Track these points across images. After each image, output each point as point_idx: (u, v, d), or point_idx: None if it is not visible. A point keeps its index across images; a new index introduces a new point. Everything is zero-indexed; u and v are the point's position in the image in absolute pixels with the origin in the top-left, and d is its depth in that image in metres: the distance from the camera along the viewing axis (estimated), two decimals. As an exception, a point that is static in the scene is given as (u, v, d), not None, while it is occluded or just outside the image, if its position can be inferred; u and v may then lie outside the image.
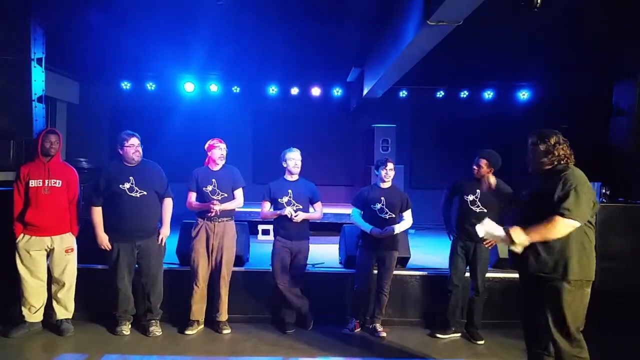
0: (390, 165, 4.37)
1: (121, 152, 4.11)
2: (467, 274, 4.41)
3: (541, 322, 2.96)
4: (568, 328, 2.83)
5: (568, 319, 2.82)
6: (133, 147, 4.10)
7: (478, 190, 4.21)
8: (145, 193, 4.12)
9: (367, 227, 4.31)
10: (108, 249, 4.09)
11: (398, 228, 4.30)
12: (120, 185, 4.04)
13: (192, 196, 4.35)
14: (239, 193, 4.43)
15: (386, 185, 4.41)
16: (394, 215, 4.34)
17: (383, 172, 4.37)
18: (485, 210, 4.19)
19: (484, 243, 4.22)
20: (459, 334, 4.45)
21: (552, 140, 2.94)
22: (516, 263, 3.12)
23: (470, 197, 4.26)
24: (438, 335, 4.41)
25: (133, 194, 4.07)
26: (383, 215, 4.33)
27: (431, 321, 4.65)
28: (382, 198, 4.36)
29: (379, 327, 4.40)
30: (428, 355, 4.02)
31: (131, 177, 4.07)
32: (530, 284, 3.03)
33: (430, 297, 4.75)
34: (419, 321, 4.74)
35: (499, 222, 4.36)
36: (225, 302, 4.38)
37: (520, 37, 6.02)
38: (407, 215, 4.42)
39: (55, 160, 4.12)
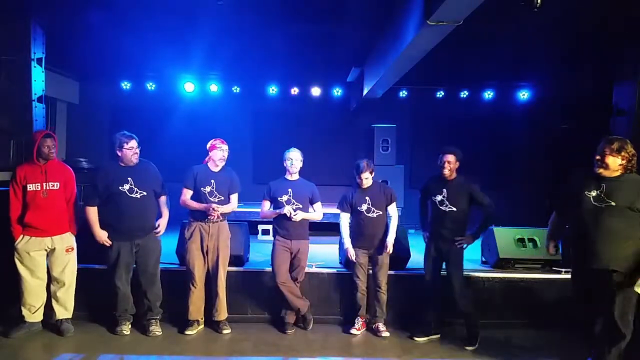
0: (365, 174, 4.33)
1: (119, 154, 4.09)
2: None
3: (598, 318, 3.22)
4: (628, 315, 3.11)
5: (631, 308, 3.11)
6: (132, 150, 4.09)
7: (445, 190, 4.19)
8: (145, 193, 4.12)
9: (347, 244, 4.41)
10: (108, 244, 4.09)
11: (390, 241, 4.33)
12: (120, 187, 4.03)
13: (188, 194, 4.29)
14: (234, 198, 4.45)
15: (367, 184, 4.39)
16: (381, 212, 4.36)
17: (359, 181, 4.37)
18: (454, 209, 4.15)
19: (456, 244, 4.18)
20: (438, 335, 4.35)
21: (631, 150, 3.13)
22: (584, 263, 3.25)
23: (438, 198, 4.21)
24: (415, 339, 4.29)
25: (133, 195, 4.06)
26: (371, 215, 4.35)
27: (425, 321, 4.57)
28: (367, 198, 4.36)
29: (381, 327, 4.39)
30: (428, 355, 4.02)
31: (130, 179, 4.07)
32: (595, 280, 3.17)
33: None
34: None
35: (469, 221, 4.30)
36: (224, 302, 4.37)
37: (520, 37, 6.02)
38: (393, 210, 4.42)
39: (51, 161, 4.09)
